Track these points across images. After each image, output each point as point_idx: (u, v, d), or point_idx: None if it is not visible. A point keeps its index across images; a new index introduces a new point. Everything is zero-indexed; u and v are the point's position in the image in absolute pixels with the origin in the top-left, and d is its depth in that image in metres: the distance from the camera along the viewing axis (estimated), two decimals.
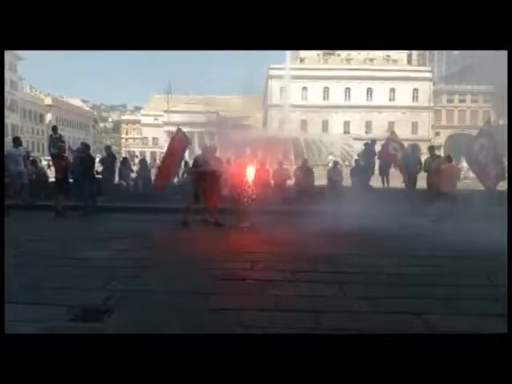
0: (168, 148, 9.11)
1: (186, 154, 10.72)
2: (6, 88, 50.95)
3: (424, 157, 11.64)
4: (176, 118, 63.47)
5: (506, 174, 9.06)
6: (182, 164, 10.78)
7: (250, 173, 8.40)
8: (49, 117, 56.59)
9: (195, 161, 8.49)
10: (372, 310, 3.52)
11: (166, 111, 62.73)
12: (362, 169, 11.84)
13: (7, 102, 50.75)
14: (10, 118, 50.83)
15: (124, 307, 3.56)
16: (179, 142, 9.08)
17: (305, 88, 54.32)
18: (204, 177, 7.99)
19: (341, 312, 3.44)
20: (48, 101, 64.63)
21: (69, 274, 4.54)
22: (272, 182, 10.13)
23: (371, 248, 6.04)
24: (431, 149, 10.86)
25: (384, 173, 12.42)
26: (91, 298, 3.74)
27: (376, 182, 12.06)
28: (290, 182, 11.42)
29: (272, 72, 53.94)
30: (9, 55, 51.02)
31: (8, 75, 51.69)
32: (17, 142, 10.05)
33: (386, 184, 12.40)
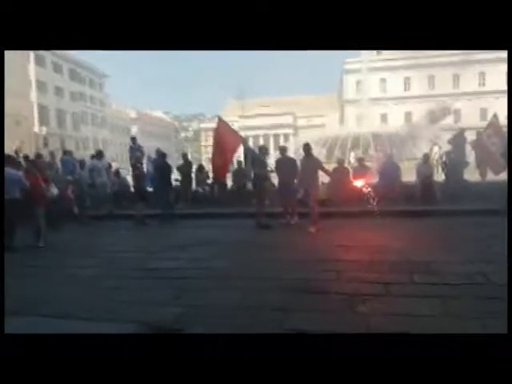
0: (218, 140, 8.71)
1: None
2: (97, 106, 55.76)
3: None
4: (250, 122, 64.44)
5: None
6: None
7: (329, 173, 7.81)
8: (134, 129, 60.72)
9: (277, 163, 8.18)
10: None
11: (240, 116, 63.87)
12: (455, 162, 10.54)
13: (98, 120, 55.48)
14: (101, 133, 55.44)
15: (195, 324, 3.23)
16: (228, 133, 8.70)
17: (383, 80, 51.59)
18: (284, 179, 7.62)
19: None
20: (133, 114, 69.59)
21: (141, 286, 4.38)
22: (352, 181, 9.33)
23: (482, 254, 5.09)
24: None
25: (482, 165, 10.94)
26: (162, 315, 3.48)
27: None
28: (374, 181, 10.52)
29: (348, 66, 51.96)
30: (95, 76, 55.77)
31: (96, 94, 56.56)
32: (100, 154, 10.56)
33: (483, 177, 10.91)
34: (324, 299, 3.70)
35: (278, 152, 9.06)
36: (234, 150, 8.54)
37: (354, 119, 44.22)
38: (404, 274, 4.34)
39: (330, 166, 9.90)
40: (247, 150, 9.26)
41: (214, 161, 8.73)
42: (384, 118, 48.66)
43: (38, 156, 10.67)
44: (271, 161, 9.45)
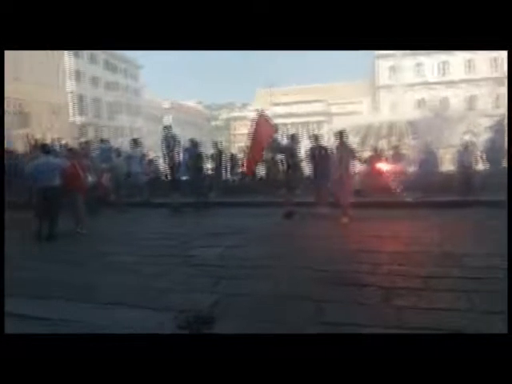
0: (253, 133, 8.62)
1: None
2: (132, 96, 56.89)
3: None
4: (280, 110, 63.86)
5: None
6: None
7: (363, 162, 7.62)
8: (168, 119, 61.63)
9: (309, 152, 8.09)
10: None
11: (270, 104, 63.41)
12: (494, 150, 10.03)
13: (132, 109, 56.64)
14: (136, 123, 56.62)
15: (231, 313, 3.30)
16: (265, 126, 8.58)
17: (419, 64, 49.69)
18: (317, 168, 7.52)
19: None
20: (166, 104, 70.59)
21: (178, 274, 4.49)
22: (387, 170, 9.08)
23: None
24: None
25: None
26: (198, 302, 3.54)
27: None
28: (411, 169, 10.21)
29: (380, 51, 50.44)
30: (130, 66, 56.78)
31: (132, 83, 57.67)
32: (135, 143, 10.76)
33: None
34: (358, 291, 3.66)
35: (309, 140, 8.90)
36: (268, 141, 8.44)
37: (388, 106, 42.98)
38: (441, 267, 4.22)
39: (364, 155, 9.66)
40: (277, 139, 9.19)
41: (249, 152, 8.67)
42: (419, 103, 46.99)
43: (77, 145, 11.00)
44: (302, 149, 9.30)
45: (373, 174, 8.62)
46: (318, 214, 7.77)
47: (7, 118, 35.42)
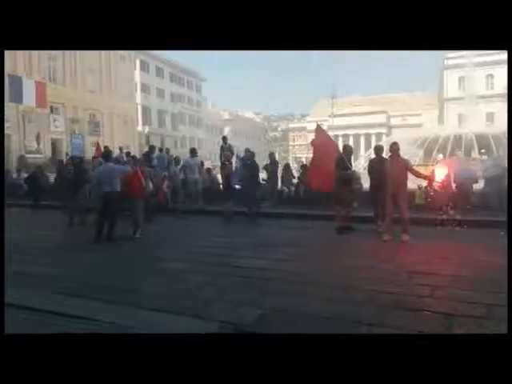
0: (317, 147, 8.27)
1: None
2: (194, 107, 59.10)
3: None
4: (340, 121, 62.95)
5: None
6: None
7: (418, 175, 7.15)
8: (226, 130, 63.16)
9: (370, 164, 7.80)
10: None
11: (330, 116, 62.71)
12: None
13: (194, 120, 58.79)
14: (197, 133, 58.71)
15: (275, 329, 3.18)
16: (327, 140, 8.39)
17: (490, 75, 46.68)
18: (377, 181, 7.19)
19: None
20: (226, 115, 72.50)
21: (224, 284, 4.46)
22: (454, 185, 8.46)
23: None
24: None
25: None
26: (243, 315, 3.49)
27: None
28: (479, 185, 9.48)
29: (449, 62, 48.05)
30: (193, 78, 59.09)
31: (194, 95, 59.94)
32: (193, 152, 11.08)
33: None
34: (415, 317, 3.39)
35: (367, 152, 8.58)
36: (333, 158, 8.06)
37: (455, 118, 40.70)
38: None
39: (428, 169, 9.12)
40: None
41: (314, 172, 8.30)
42: (490, 117, 43.98)
43: (146, 152, 11.49)
44: (361, 161, 9.00)
45: (436, 189, 8.07)
46: (375, 230, 7.45)
47: (81, 127, 38.31)
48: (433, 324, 3.21)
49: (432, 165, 9.77)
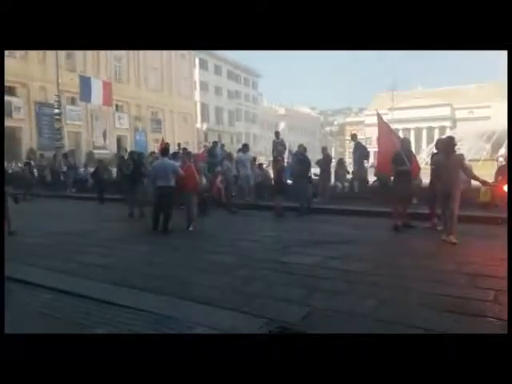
0: (381, 136, 8.41)
1: None
2: (250, 103, 59.62)
3: None
4: (400, 114, 60.26)
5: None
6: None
7: (468, 172, 6.55)
8: (282, 125, 63.07)
9: (432, 159, 7.34)
10: None
11: (390, 109, 60.33)
12: None
13: (250, 116, 59.36)
14: (252, 129, 59.26)
15: (321, 329, 3.07)
16: (387, 129, 8.51)
17: None
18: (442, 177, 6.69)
19: None
20: (281, 111, 72.35)
21: (271, 279, 4.42)
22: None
23: None
24: None
25: None
26: (290, 312, 3.44)
27: None
28: None
29: None
30: (250, 75, 59.56)
31: (251, 92, 60.48)
32: (245, 148, 11.15)
33: None
34: (476, 323, 3.14)
35: (430, 147, 8.09)
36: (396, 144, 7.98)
37: None
38: None
39: (494, 164, 8.43)
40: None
41: (382, 159, 8.57)
42: None
43: (210, 148, 11.73)
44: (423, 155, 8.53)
45: (502, 186, 7.42)
46: (431, 228, 7.03)
47: (144, 125, 40.10)
48: (494, 331, 2.95)
49: (497, 160, 9.01)
